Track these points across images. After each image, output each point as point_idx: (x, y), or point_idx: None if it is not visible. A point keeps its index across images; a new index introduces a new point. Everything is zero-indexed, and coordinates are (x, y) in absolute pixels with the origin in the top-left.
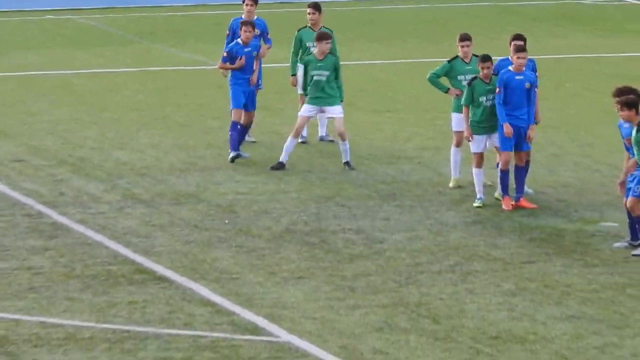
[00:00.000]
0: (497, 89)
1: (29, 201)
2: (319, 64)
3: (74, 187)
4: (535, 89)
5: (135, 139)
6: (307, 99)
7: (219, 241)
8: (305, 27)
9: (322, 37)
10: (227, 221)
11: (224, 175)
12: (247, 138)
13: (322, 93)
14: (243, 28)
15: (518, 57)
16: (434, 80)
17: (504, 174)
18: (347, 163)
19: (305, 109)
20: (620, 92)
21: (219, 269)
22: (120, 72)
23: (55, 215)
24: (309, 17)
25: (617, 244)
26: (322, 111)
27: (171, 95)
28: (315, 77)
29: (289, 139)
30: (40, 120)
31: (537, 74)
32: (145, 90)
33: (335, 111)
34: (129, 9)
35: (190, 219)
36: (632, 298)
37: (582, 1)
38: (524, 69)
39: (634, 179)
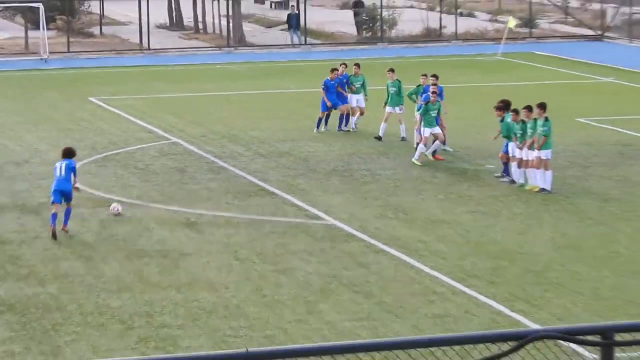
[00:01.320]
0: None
1: (207, 155)
2: (391, 84)
3: (229, 148)
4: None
5: (260, 125)
6: (388, 104)
7: (300, 175)
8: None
9: (391, 70)
10: (303, 165)
11: (303, 143)
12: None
13: (393, 101)
14: (334, 72)
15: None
16: (410, 95)
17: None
18: (403, 138)
19: (389, 109)
20: (497, 102)
21: (300, 188)
22: (252, 93)
23: (220, 162)
24: (354, 69)
25: (495, 174)
26: (396, 110)
27: (278, 104)
28: (391, 91)
29: (382, 124)
30: (213, 116)
31: (442, 92)
32: (265, 102)
33: (399, 109)
34: (254, 62)
35: (286, 164)
36: (501, 202)
37: (476, 58)
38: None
39: (505, 144)
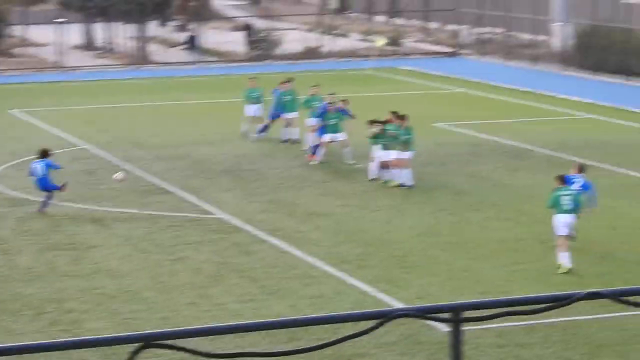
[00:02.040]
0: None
1: (114, 159)
2: (286, 93)
3: (133, 153)
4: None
5: (160, 132)
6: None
7: (194, 175)
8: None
9: (287, 81)
10: (198, 166)
11: (198, 147)
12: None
13: (287, 108)
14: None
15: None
16: (305, 104)
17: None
18: (288, 140)
19: (285, 115)
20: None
21: (195, 187)
22: (155, 105)
23: (125, 165)
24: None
25: (349, 162)
26: (290, 115)
27: (178, 114)
28: (286, 99)
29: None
30: (120, 125)
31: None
32: (166, 112)
33: (293, 115)
34: (157, 77)
35: (183, 166)
36: (369, 196)
37: (349, 72)
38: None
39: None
